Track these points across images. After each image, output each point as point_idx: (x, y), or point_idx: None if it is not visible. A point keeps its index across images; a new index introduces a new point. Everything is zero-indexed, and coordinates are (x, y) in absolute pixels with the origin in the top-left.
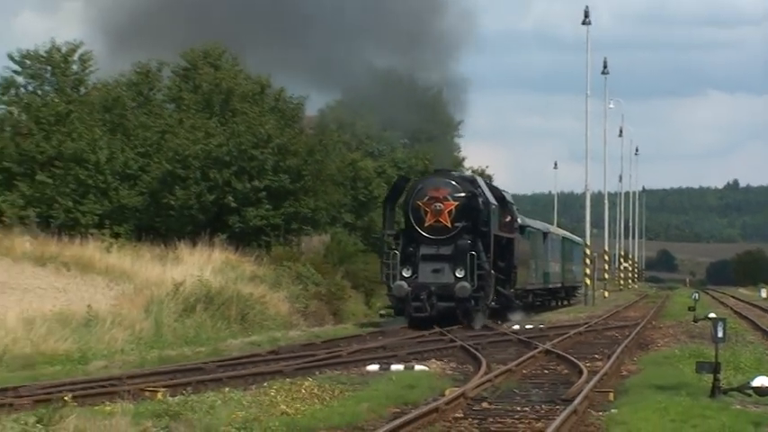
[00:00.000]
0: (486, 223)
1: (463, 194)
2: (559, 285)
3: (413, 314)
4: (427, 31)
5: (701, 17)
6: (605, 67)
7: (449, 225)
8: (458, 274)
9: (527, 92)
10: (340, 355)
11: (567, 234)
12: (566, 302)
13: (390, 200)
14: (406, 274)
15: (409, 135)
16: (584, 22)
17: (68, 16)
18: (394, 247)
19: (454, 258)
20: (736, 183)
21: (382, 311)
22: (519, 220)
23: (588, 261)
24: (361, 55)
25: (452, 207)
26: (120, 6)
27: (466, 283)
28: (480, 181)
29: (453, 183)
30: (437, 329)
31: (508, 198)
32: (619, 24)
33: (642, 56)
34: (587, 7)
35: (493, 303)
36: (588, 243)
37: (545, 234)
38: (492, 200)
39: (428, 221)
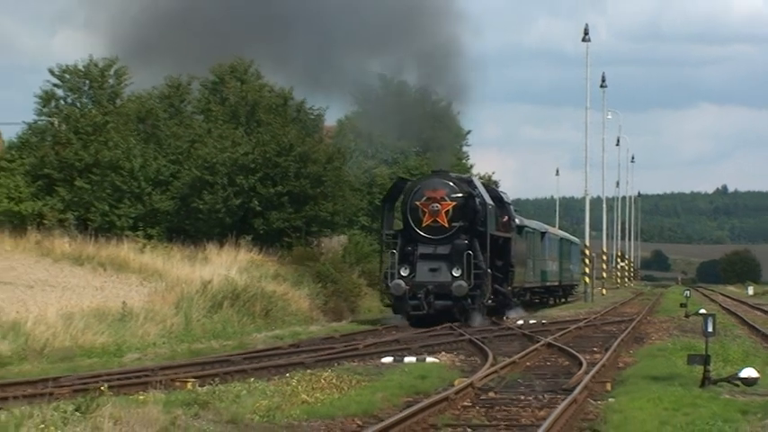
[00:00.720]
0: (482, 223)
1: (460, 195)
2: (557, 283)
3: (410, 312)
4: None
5: (694, 35)
6: (603, 81)
7: (446, 225)
8: (455, 273)
9: (531, 104)
10: (357, 348)
11: (565, 234)
12: (563, 300)
13: (389, 200)
14: (403, 272)
15: (421, 144)
16: (584, 39)
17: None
18: (392, 246)
19: (451, 258)
20: (725, 188)
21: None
22: (517, 221)
23: (587, 261)
24: (373, 68)
25: (449, 207)
26: (122, 13)
27: (462, 282)
28: (477, 182)
29: (450, 183)
30: (447, 324)
31: (505, 199)
32: (617, 41)
33: (638, 70)
34: (587, 25)
35: (490, 302)
36: (588, 244)
37: (543, 234)
38: (488, 200)
39: (426, 221)
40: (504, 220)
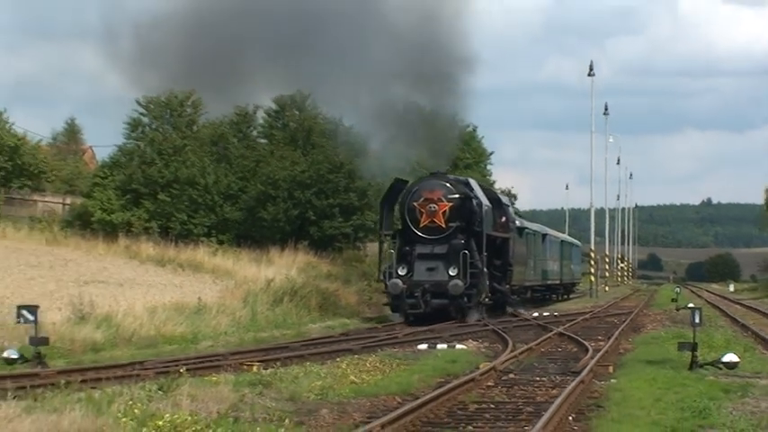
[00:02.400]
0: (479, 223)
1: (457, 196)
2: (558, 282)
3: (408, 311)
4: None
5: (680, 71)
6: (606, 109)
7: (443, 225)
8: (451, 273)
9: (544, 130)
10: (397, 337)
11: (566, 237)
12: (565, 297)
13: (387, 201)
14: (401, 272)
15: (450, 163)
16: (589, 74)
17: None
18: (391, 246)
19: (448, 257)
20: (709, 200)
21: None
22: (517, 223)
23: (593, 262)
24: (412, 99)
25: (446, 208)
26: (136, 33)
27: (458, 281)
28: (474, 183)
29: (447, 185)
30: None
31: (504, 201)
32: (616, 76)
33: (635, 100)
34: (591, 62)
35: (487, 299)
36: (593, 248)
37: (544, 236)
38: (485, 201)
39: (423, 222)
40: (503, 221)
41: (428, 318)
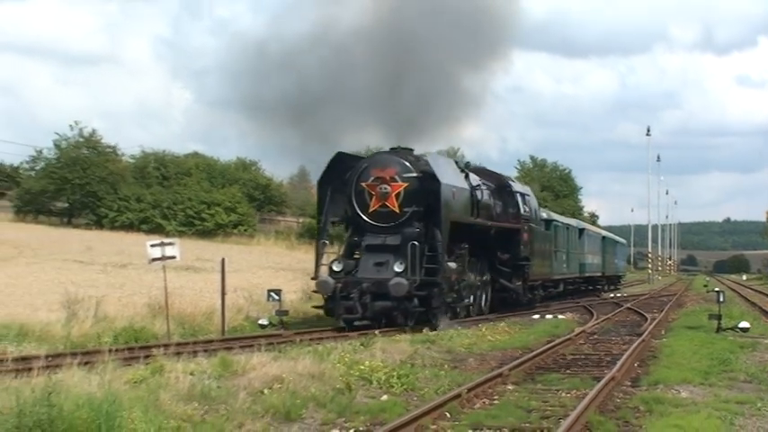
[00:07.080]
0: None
1: (414, 175)
2: (600, 275)
3: (343, 315)
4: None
5: (707, 131)
6: (658, 158)
7: (396, 210)
8: (396, 269)
9: (616, 171)
10: (516, 310)
11: (609, 234)
12: (610, 288)
13: (326, 181)
14: (336, 267)
15: (553, 196)
16: (647, 134)
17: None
18: (325, 236)
19: (401, 250)
20: (728, 219)
21: None
22: (544, 215)
23: (650, 259)
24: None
25: (401, 189)
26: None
27: (402, 280)
28: (441, 159)
29: (404, 162)
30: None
31: (518, 189)
32: (665, 135)
33: (677, 152)
34: (648, 126)
35: (469, 300)
36: (650, 250)
37: (581, 230)
38: (459, 183)
39: (373, 206)
40: (512, 211)
41: (371, 322)
